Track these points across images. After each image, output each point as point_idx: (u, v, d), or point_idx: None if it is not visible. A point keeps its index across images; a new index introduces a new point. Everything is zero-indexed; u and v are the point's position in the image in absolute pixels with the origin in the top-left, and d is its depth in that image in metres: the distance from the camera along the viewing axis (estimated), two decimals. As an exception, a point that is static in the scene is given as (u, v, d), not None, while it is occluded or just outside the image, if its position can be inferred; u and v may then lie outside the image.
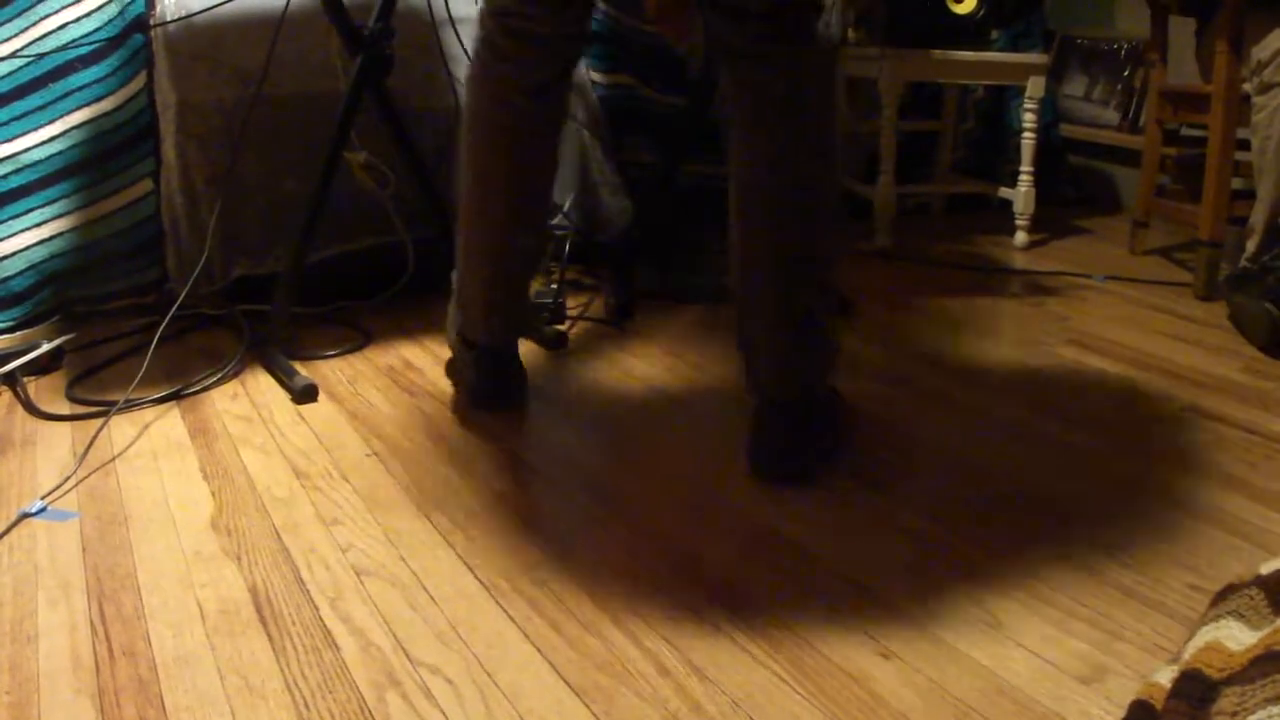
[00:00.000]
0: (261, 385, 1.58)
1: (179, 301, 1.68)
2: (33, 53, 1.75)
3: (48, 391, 1.54)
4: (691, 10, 1.28)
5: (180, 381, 1.56)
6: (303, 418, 1.46)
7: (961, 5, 2.51)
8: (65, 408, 1.48)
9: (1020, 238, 2.60)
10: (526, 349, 1.65)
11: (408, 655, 0.93)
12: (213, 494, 1.23)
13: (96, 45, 1.79)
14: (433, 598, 1.02)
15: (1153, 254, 2.58)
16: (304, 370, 1.61)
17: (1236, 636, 0.67)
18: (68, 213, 1.79)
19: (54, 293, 1.80)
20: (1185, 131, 2.53)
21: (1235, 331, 1.93)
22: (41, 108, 1.76)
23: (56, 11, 1.77)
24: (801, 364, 1.28)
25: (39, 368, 1.60)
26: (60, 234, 1.79)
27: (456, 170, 1.50)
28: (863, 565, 1.09)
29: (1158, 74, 2.44)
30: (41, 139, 1.76)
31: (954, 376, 1.68)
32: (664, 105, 2.34)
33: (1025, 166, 2.55)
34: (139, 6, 1.82)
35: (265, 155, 1.85)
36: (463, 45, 1.96)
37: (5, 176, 1.74)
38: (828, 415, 1.34)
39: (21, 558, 1.09)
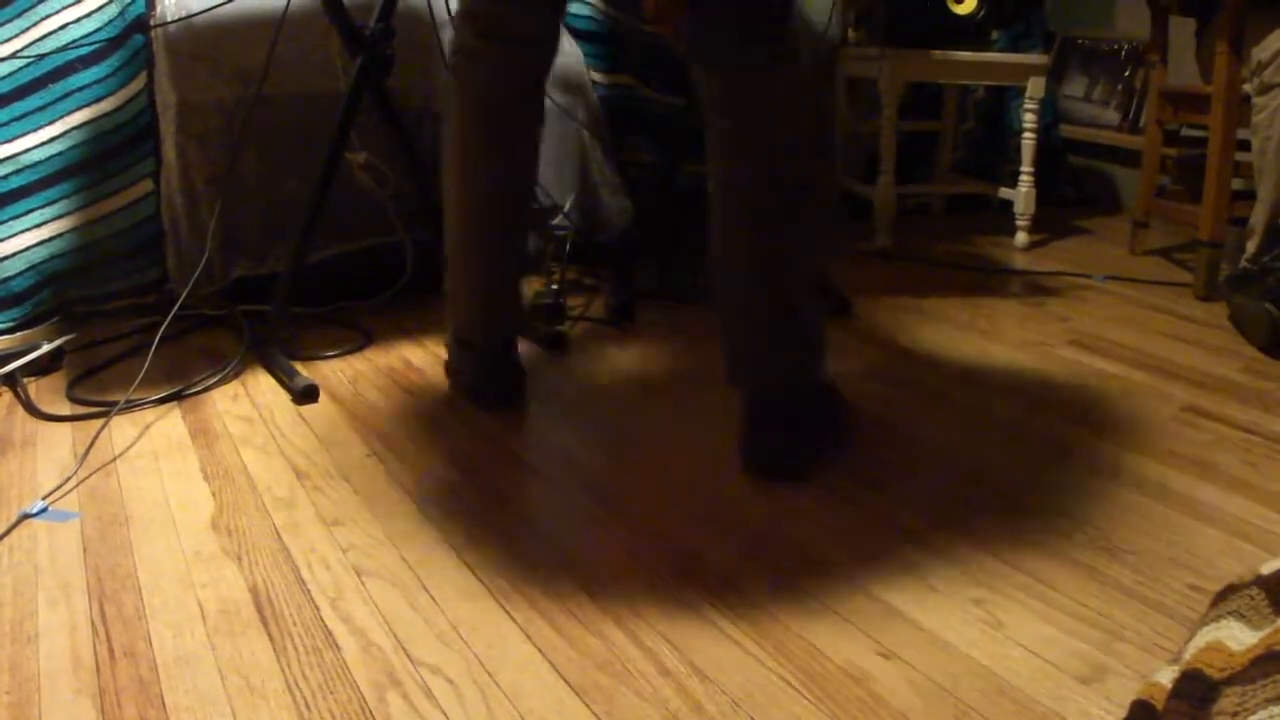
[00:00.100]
0: (262, 386, 1.58)
1: (179, 302, 1.68)
2: (33, 53, 1.75)
3: (48, 392, 1.54)
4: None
5: (181, 382, 1.56)
6: (303, 418, 1.46)
7: (961, 5, 2.51)
8: (66, 408, 1.48)
9: (1020, 238, 2.60)
10: (526, 349, 1.66)
11: (408, 655, 0.93)
12: (213, 494, 1.23)
13: (97, 46, 1.79)
14: (433, 598, 1.02)
15: (1153, 254, 2.58)
16: (304, 371, 1.61)
17: (1237, 636, 0.67)
18: (68, 213, 1.79)
19: (54, 293, 1.80)
20: (1185, 132, 2.53)
21: (1235, 332, 1.93)
22: (42, 108, 1.76)
23: (57, 12, 1.77)
24: (783, 360, 1.28)
25: (39, 368, 1.60)
26: (60, 234, 1.79)
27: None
28: (862, 565, 1.09)
29: (1158, 74, 2.44)
30: (42, 139, 1.76)
31: (954, 376, 1.68)
32: (664, 105, 2.34)
33: (1025, 167, 2.55)
34: (139, 7, 1.82)
35: (265, 155, 1.85)
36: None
37: (5, 177, 1.74)
38: (822, 413, 1.34)
39: (22, 558, 1.09)
